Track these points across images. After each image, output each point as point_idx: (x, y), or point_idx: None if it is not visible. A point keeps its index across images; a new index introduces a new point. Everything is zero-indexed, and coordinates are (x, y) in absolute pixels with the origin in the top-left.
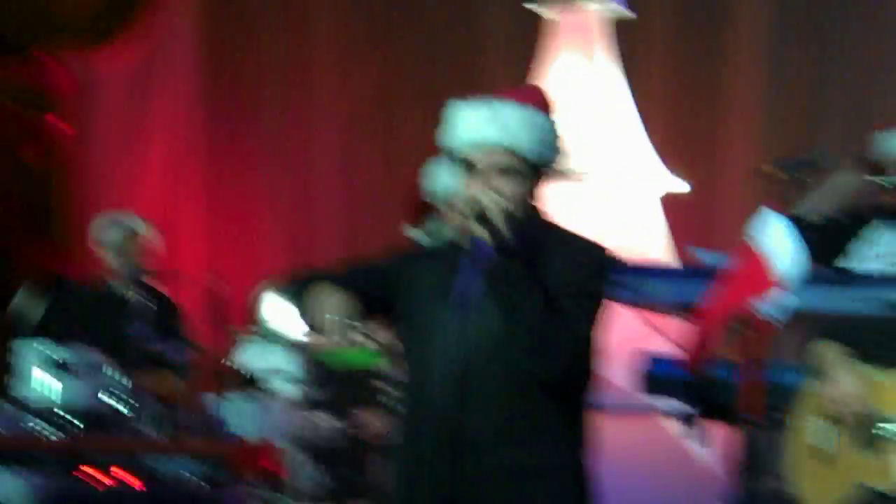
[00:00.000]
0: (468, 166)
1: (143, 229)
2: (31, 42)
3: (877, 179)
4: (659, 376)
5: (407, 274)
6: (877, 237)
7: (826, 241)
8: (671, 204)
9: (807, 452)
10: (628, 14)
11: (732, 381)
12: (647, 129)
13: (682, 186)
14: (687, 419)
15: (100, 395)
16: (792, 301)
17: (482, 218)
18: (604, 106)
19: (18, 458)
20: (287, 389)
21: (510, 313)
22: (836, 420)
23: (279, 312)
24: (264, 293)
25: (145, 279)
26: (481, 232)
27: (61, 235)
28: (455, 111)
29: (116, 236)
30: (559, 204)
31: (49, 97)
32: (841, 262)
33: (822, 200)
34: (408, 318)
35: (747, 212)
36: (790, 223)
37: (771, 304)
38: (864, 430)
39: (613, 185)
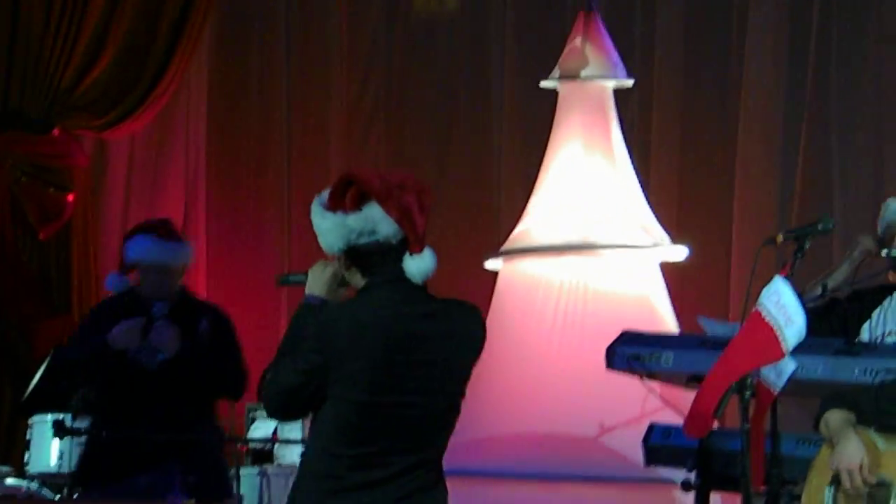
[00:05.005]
0: None
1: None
2: (52, 121)
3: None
4: (660, 446)
5: None
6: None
7: (841, 316)
8: (686, 274)
9: None
10: (629, 83)
11: (735, 450)
12: (657, 198)
13: (680, 254)
14: (686, 486)
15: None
16: (791, 368)
17: None
18: (607, 174)
19: None
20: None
21: None
22: (846, 490)
23: None
24: None
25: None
26: None
27: (79, 310)
28: None
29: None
30: (567, 273)
31: (69, 175)
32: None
33: (845, 273)
34: None
35: (762, 281)
36: (796, 292)
37: (772, 371)
38: (874, 499)
39: (614, 255)
